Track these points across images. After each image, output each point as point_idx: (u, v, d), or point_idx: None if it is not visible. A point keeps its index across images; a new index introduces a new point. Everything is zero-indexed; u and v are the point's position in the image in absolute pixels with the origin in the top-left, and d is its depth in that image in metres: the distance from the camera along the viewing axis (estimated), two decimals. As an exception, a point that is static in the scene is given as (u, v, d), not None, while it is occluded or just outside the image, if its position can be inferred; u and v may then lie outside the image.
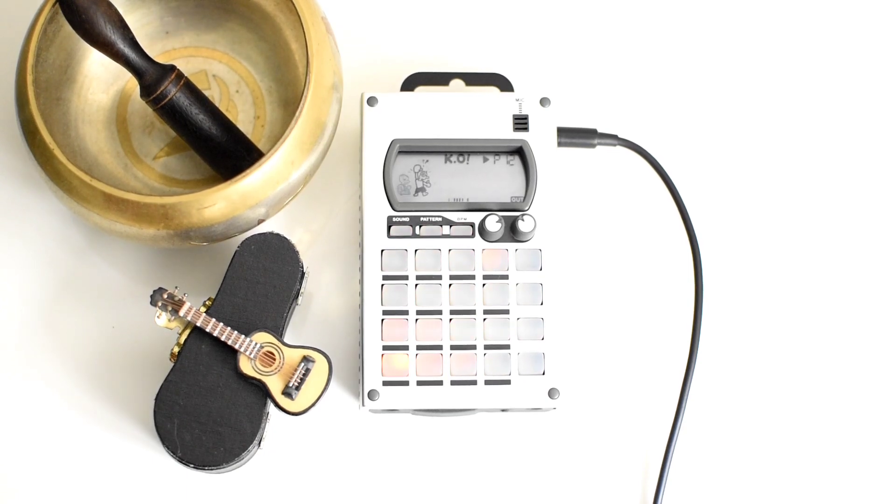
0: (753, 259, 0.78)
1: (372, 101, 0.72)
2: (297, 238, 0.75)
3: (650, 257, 0.77)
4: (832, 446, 0.75)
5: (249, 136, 0.76)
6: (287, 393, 0.68)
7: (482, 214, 0.71)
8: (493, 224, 0.70)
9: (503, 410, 0.71)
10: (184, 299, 0.69)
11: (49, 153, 0.68)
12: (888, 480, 0.75)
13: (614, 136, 0.77)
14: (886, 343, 0.77)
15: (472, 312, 0.70)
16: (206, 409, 0.68)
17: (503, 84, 0.76)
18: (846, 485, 0.75)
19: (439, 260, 0.70)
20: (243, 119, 0.77)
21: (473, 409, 0.70)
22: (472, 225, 0.71)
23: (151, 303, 0.69)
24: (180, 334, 0.69)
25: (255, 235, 0.71)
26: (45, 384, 0.73)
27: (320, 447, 0.73)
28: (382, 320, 0.69)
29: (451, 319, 0.70)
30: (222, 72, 0.78)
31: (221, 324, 0.68)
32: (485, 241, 0.71)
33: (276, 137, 0.75)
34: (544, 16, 0.82)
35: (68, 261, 0.75)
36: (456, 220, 0.71)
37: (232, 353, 0.69)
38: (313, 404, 0.68)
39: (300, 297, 0.72)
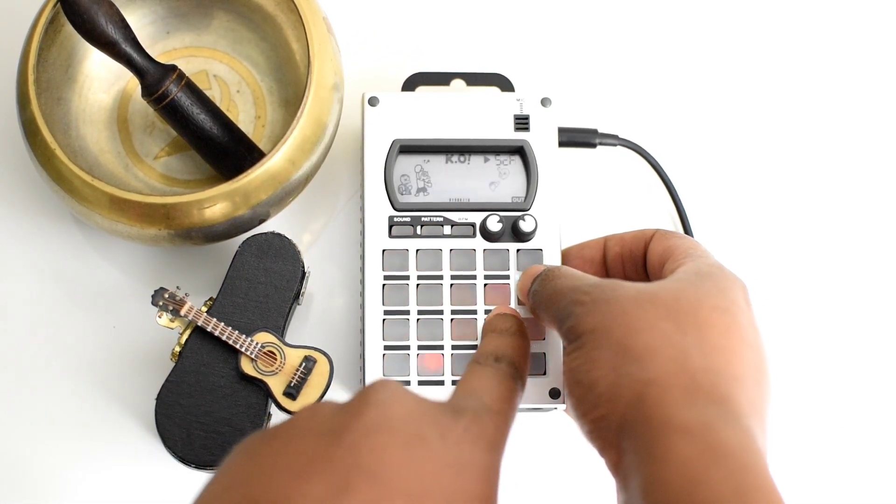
0: (752, 261, 0.78)
1: (373, 101, 0.72)
2: (299, 238, 0.75)
3: (651, 257, 0.77)
4: (833, 446, 0.75)
5: (250, 136, 0.76)
6: (288, 393, 0.68)
7: (483, 214, 0.71)
8: (494, 224, 0.70)
9: (504, 410, 0.71)
10: (185, 299, 0.69)
11: (50, 153, 0.68)
12: (887, 480, 0.75)
13: (615, 136, 0.77)
14: (886, 342, 0.77)
15: (474, 312, 0.70)
16: (207, 409, 0.68)
17: (504, 84, 0.76)
18: (844, 485, 0.75)
19: (440, 260, 0.70)
20: (244, 119, 0.77)
21: (474, 409, 0.70)
22: (473, 225, 0.71)
23: (153, 303, 0.69)
24: (181, 334, 0.69)
25: (256, 235, 0.71)
26: (46, 384, 0.73)
27: (321, 447, 0.73)
28: (384, 320, 0.69)
29: (452, 319, 0.70)
30: (223, 72, 0.78)
31: (223, 324, 0.69)
32: (486, 242, 0.71)
33: (277, 137, 0.75)
34: (545, 16, 0.82)
35: (68, 261, 0.75)
36: (457, 221, 0.71)
37: (233, 352, 0.69)
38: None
39: (301, 297, 0.72)
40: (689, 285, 0.57)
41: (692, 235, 0.77)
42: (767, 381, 0.55)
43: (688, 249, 0.62)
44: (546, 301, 0.61)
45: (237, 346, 0.68)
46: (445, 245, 0.71)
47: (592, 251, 0.68)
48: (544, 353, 0.69)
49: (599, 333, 0.55)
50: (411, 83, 0.76)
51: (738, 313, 0.56)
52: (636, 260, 0.66)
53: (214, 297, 0.70)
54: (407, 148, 0.72)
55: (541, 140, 0.72)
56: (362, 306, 0.70)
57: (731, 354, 0.54)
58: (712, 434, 0.50)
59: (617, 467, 0.53)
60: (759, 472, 0.49)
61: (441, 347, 0.69)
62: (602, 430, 0.54)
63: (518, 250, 0.71)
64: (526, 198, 0.71)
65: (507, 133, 0.72)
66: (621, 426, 0.53)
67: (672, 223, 0.78)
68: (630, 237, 0.66)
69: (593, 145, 0.77)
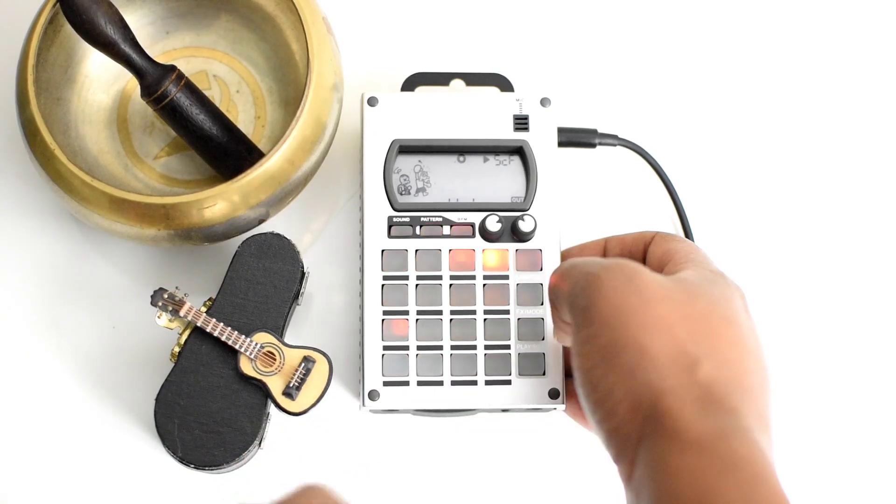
0: (751, 260, 0.78)
1: (372, 101, 0.72)
2: (298, 238, 0.75)
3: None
4: (833, 446, 0.75)
5: (250, 136, 0.76)
6: (287, 393, 0.68)
7: (482, 214, 0.71)
8: (494, 224, 0.70)
9: (503, 411, 0.71)
10: (184, 299, 0.69)
11: (50, 153, 0.68)
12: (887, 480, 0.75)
13: (614, 136, 0.77)
14: (886, 343, 0.77)
15: (473, 312, 0.70)
16: (206, 410, 0.68)
17: (503, 84, 0.76)
18: (844, 487, 0.75)
19: (440, 260, 0.70)
20: (244, 119, 0.77)
21: (474, 410, 0.70)
22: (473, 225, 0.71)
23: (152, 303, 0.69)
24: (181, 334, 0.69)
25: (255, 235, 0.71)
26: (46, 384, 0.73)
27: (320, 447, 0.73)
28: (383, 320, 0.69)
29: (451, 319, 0.70)
30: (223, 72, 0.78)
31: (222, 324, 0.69)
32: (485, 242, 0.71)
33: (277, 138, 0.75)
34: (544, 16, 0.82)
35: (68, 261, 0.75)
36: (456, 221, 0.71)
37: (232, 353, 0.69)
38: (314, 404, 0.68)
39: (301, 298, 0.72)
40: (699, 290, 0.56)
41: (692, 235, 0.77)
42: (770, 391, 0.55)
43: (688, 254, 0.61)
44: (560, 275, 0.60)
45: (236, 347, 0.68)
46: (445, 245, 0.71)
47: (592, 252, 0.68)
48: (544, 353, 0.69)
49: (614, 328, 0.54)
50: (411, 83, 0.76)
51: (742, 323, 0.55)
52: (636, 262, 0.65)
53: (214, 297, 0.70)
54: (406, 148, 0.72)
55: (540, 140, 0.72)
56: (361, 306, 0.70)
57: (739, 366, 0.54)
58: (724, 446, 0.49)
59: (629, 478, 0.53)
60: (770, 484, 0.49)
61: (440, 347, 0.69)
62: (619, 440, 0.53)
63: (517, 250, 0.71)
64: (525, 198, 0.71)
65: (507, 133, 0.72)
66: (640, 439, 0.52)
67: (671, 223, 0.78)
68: (630, 239, 0.66)
69: (593, 145, 0.77)
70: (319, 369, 0.69)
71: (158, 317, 0.69)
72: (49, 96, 0.73)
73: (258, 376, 0.68)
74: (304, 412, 0.68)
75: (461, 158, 0.72)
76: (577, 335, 0.57)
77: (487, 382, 0.69)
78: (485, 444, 0.74)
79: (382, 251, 0.70)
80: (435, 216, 0.71)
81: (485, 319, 0.70)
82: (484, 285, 0.70)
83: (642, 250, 0.65)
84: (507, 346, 0.69)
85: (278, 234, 0.71)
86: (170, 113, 0.71)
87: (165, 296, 0.69)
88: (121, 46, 0.68)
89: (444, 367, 0.69)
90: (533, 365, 0.69)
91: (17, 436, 0.73)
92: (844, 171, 0.80)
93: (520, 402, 0.69)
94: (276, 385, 0.68)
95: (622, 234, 0.67)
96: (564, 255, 0.70)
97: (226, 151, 0.73)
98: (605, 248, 0.67)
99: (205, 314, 0.69)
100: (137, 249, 0.76)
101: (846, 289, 0.78)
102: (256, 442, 0.69)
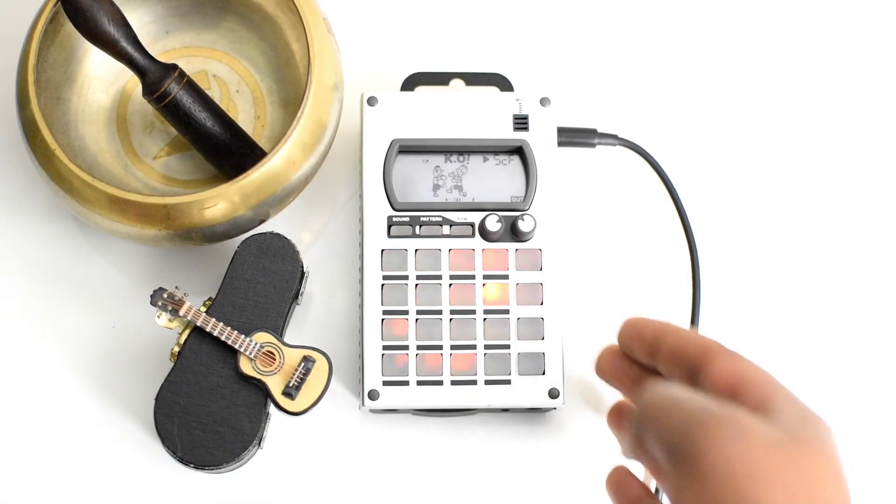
0: (751, 260, 0.78)
1: (372, 100, 0.72)
2: (298, 238, 0.75)
3: (649, 257, 0.77)
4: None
5: (250, 136, 0.76)
6: (287, 393, 0.68)
7: (482, 214, 0.71)
8: (494, 224, 0.70)
9: (503, 410, 0.71)
10: (184, 299, 0.69)
11: (50, 153, 0.68)
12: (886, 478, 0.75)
13: (614, 136, 0.77)
14: (886, 343, 0.77)
15: (472, 312, 0.70)
16: (206, 409, 0.68)
17: (503, 84, 0.76)
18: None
19: (439, 260, 0.70)
20: (244, 119, 0.77)
21: (473, 409, 0.70)
22: (472, 225, 0.71)
23: (152, 303, 0.69)
24: (180, 334, 0.69)
25: (255, 235, 0.71)
26: (45, 384, 0.73)
27: (320, 447, 0.73)
28: (382, 320, 0.69)
29: (451, 319, 0.70)
30: (222, 72, 0.78)
31: (222, 324, 0.69)
32: (485, 241, 0.71)
33: (277, 138, 0.75)
34: (544, 16, 0.82)
35: (68, 261, 0.76)
36: (456, 220, 0.71)
37: (232, 353, 0.69)
38: (314, 404, 0.68)
39: (300, 297, 0.72)
40: (812, 444, 0.52)
41: (692, 234, 0.76)
42: None
43: (769, 385, 0.55)
44: (657, 408, 0.54)
45: (236, 346, 0.68)
46: (444, 245, 0.71)
47: (652, 330, 0.60)
48: (543, 353, 0.69)
49: (728, 485, 0.50)
50: (410, 83, 0.76)
51: (846, 479, 0.52)
52: (682, 365, 0.58)
53: (213, 297, 0.70)
54: (406, 148, 0.72)
55: (540, 140, 0.72)
56: (361, 306, 0.70)
57: None
58: None
59: None
60: None
61: (440, 347, 0.69)
62: None
63: (517, 250, 0.71)
64: (525, 198, 0.72)
65: (506, 133, 0.72)
66: None
67: (672, 223, 0.78)
68: (689, 340, 0.58)
69: (592, 145, 0.77)
70: (319, 369, 0.69)
71: (158, 316, 0.69)
72: (49, 96, 0.73)
73: (258, 376, 0.68)
74: (304, 412, 0.68)
75: (461, 158, 0.72)
76: (680, 481, 0.52)
77: (487, 382, 0.69)
78: (485, 444, 0.74)
79: (382, 251, 0.70)
80: (435, 216, 0.71)
81: (485, 319, 0.70)
82: (484, 285, 0.70)
83: (698, 356, 0.57)
84: (507, 346, 0.69)
85: (278, 234, 0.71)
86: (172, 111, 0.71)
87: (165, 295, 0.69)
88: (122, 45, 0.68)
89: (444, 366, 0.69)
90: (533, 364, 0.69)
91: (16, 436, 0.73)
92: (845, 170, 0.80)
93: (519, 402, 0.69)
94: (275, 385, 0.68)
95: (680, 329, 0.59)
96: (630, 325, 0.61)
97: (228, 149, 0.73)
98: (661, 334, 0.59)
99: (204, 314, 0.69)
100: (137, 249, 0.76)
101: (847, 286, 0.78)
102: (256, 442, 0.69)
